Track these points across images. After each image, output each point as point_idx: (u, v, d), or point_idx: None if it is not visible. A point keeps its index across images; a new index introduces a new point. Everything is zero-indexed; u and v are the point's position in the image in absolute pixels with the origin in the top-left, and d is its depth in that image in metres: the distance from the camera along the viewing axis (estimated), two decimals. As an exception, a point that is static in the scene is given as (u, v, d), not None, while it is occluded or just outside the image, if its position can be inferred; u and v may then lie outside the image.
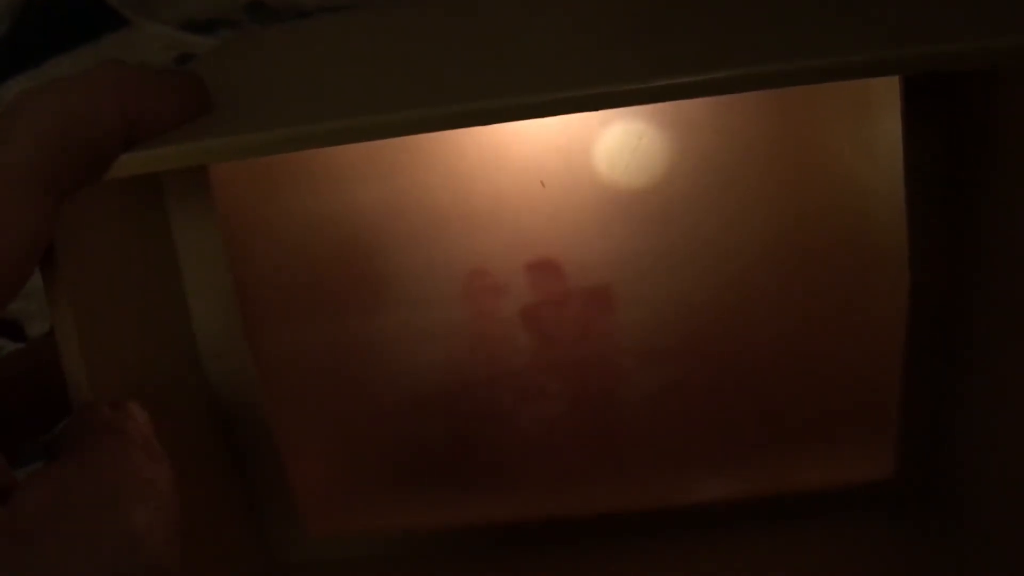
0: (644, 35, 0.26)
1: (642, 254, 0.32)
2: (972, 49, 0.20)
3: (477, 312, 0.33)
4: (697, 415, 0.34)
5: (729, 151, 0.31)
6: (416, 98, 0.22)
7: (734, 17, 0.26)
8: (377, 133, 0.21)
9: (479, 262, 0.32)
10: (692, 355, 0.33)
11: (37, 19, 0.41)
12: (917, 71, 0.24)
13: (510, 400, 0.34)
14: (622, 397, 0.34)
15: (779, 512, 0.33)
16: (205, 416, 0.32)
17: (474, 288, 0.32)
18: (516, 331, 0.33)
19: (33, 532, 0.18)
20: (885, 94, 0.30)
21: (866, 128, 0.30)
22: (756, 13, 0.26)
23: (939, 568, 0.31)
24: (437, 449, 0.35)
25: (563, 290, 0.32)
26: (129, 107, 0.21)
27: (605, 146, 0.31)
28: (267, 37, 0.35)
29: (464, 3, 0.33)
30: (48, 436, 0.22)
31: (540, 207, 0.32)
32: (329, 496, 0.35)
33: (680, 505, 0.34)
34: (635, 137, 0.31)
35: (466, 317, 0.33)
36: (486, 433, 0.34)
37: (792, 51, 0.21)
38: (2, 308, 0.20)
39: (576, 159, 0.31)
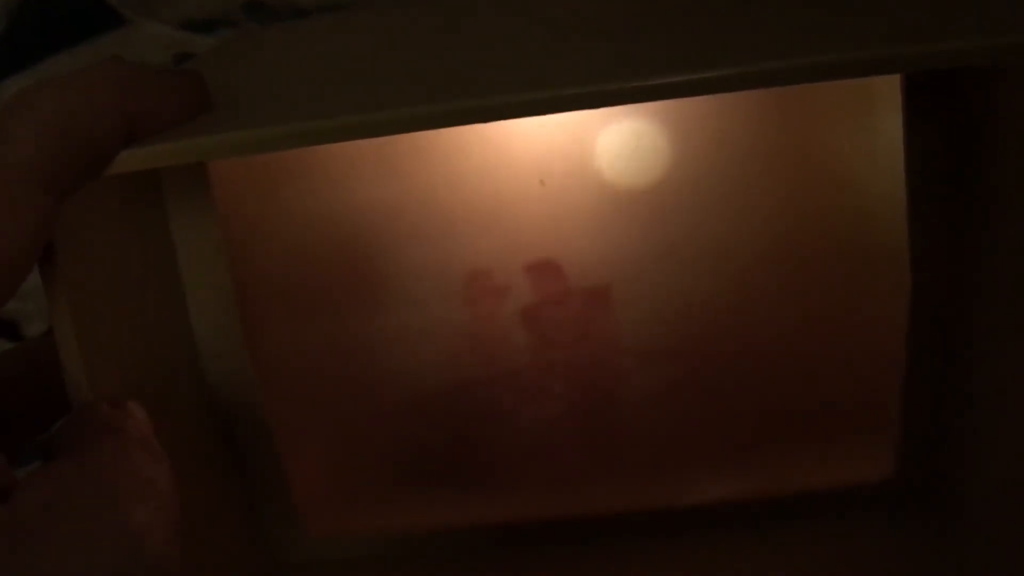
0: (643, 33, 0.26)
1: (642, 254, 0.32)
2: (973, 47, 0.20)
3: (477, 312, 0.33)
4: (697, 415, 0.34)
5: (729, 151, 0.31)
6: (414, 96, 0.22)
7: (734, 15, 0.26)
8: (374, 130, 0.21)
9: (479, 262, 0.32)
10: (692, 355, 0.33)
11: (36, 18, 0.41)
12: (918, 69, 0.24)
13: (510, 400, 0.34)
14: (622, 397, 0.34)
15: (779, 512, 0.33)
16: (205, 416, 0.32)
17: (474, 288, 0.32)
18: (516, 331, 0.33)
19: (33, 532, 0.18)
20: (886, 92, 0.30)
21: (866, 127, 0.30)
22: (756, 11, 0.26)
23: (939, 568, 0.31)
24: (437, 449, 0.34)
25: (563, 290, 0.32)
26: (129, 105, 0.21)
27: (605, 146, 0.31)
28: (266, 36, 0.35)
29: (463, 2, 0.33)
30: (45, 435, 0.21)
31: (540, 207, 0.31)
32: (329, 496, 0.35)
33: (680, 505, 0.34)
34: (635, 137, 0.31)
35: (466, 317, 0.33)
36: (486, 433, 0.34)
37: (792, 49, 0.21)
38: None
39: (576, 159, 0.31)
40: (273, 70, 0.29)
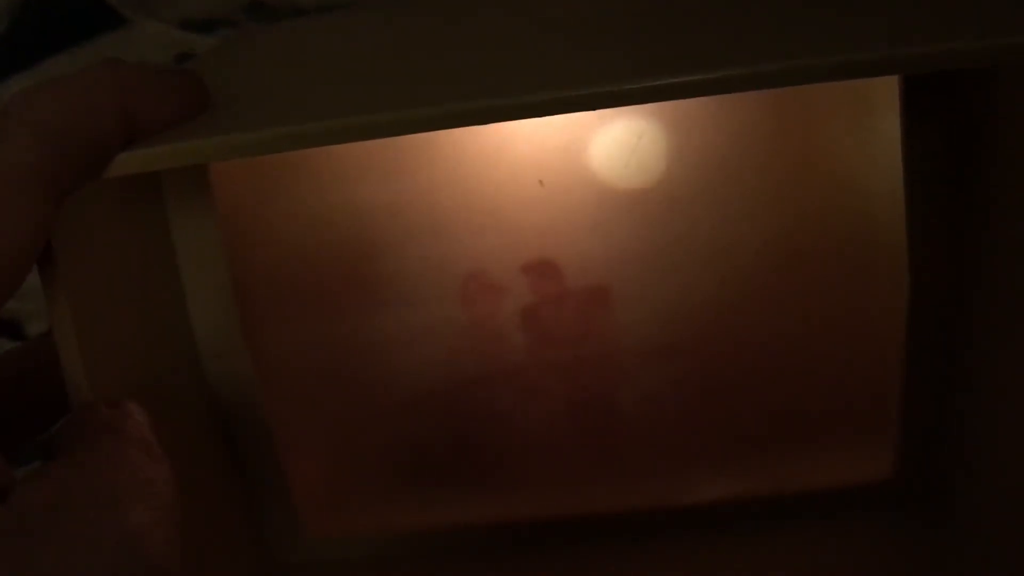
0: (643, 34, 0.26)
1: (641, 254, 0.32)
2: (972, 48, 0.20)
3: (476, 312, 0.33)
4: (696, 415, 0.34)
5: (729, 151, 0.31)
6: (414, 97, 0.22)
7: (733, 16, 0.26)
8: (374, 132, 0.21)
9: (478, 262, 0.32)
10: (691, 355, 0.33)
11: (36, 18, 0.41)
12: (917, 70, 0.24)
13: (509, 400, 0.34)
14: (621, 397, 0.34)
15: (779, 512, 0.33)
16: (205, 416, 0.32)
17: (473, 288, 0.32)
18: (515, 331, 0.33)
19: (33, 532, 0.18)
20: (884, 93, 0.30)
21: (865, 127, 0.30)
22: (755, 12, 0.26)
23: (939, 568, 0.31)
24: (436, 449, 0.34)
25: (562, 290, 0.32)
26: (128, 105, 0.21)
27: (604, 146, 0.31)
28: (266, 36, 0.35)
29: (463, 2, 0.33)
30: (45, 435, 0.21)
31: (539, 207, 0.32)
32: (328, 496, 0.35)
33: (680, 505, 0.34)
34: (634, 137, 0.31)
35: (465, 317, 0.33)
36: (485, 433, 0.34)
37: (791, 50, 0.21)
38: (-1, 307, 0.20)
39: (575, 159, 0.31)
40: (273, 70, 0.29)
